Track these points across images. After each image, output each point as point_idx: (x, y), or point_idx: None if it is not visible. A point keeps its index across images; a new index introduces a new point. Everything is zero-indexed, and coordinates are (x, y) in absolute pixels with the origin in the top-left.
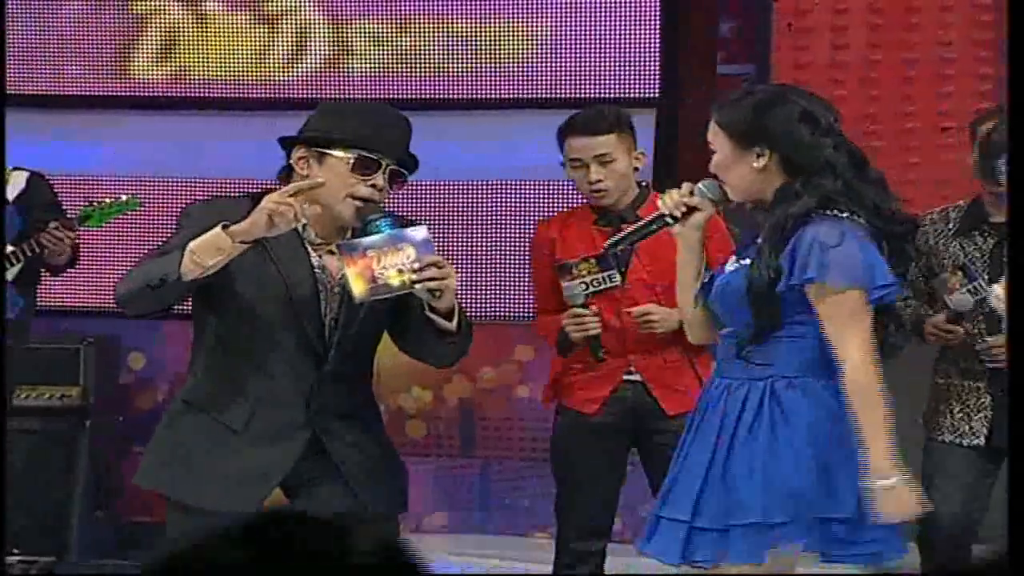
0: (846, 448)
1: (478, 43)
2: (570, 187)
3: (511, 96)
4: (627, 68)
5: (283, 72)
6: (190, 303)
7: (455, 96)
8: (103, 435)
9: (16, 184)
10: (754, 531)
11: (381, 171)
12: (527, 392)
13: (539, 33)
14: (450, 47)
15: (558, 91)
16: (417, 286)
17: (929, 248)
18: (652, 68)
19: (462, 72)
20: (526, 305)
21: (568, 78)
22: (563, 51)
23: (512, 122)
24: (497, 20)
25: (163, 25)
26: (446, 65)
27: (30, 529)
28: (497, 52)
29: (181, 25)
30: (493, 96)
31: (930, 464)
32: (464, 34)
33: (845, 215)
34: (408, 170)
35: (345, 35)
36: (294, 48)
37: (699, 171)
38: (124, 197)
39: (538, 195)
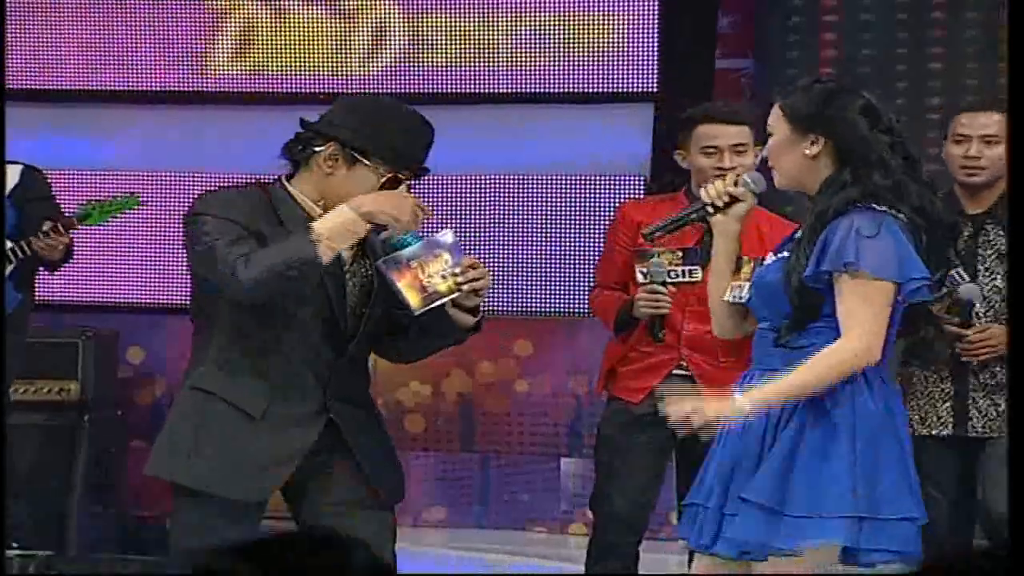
0: (890, 447)
1: (475, 38)
2: (569, 183)
3: (507, 91)
4: (626, 62)
5: (295, 66)
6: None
7: (451, 92)
8: (102, 430)
9: (10, 177)
10: (794, 522)
11: (403, 186)
12: (526, 387)
13: (537, 27)
14: (446, 43)
15: (556, 85)
16: (465, 287)
17: None
18: (651, 62)
19: (459, 68)
20: (526, 300)
21: (566, 72)
22: (561, 45)
23: (510, 116)
24: (494, 14)
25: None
26: (442, 60)
27: (29, 524)
28: (494, 47)
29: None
30: (490, 91)
31: None
32: (460, 29)
33: (884, 208)
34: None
35: (356, 29)
36: (301, 41)
37: None
38: (124, 195)
39: (536, 189)
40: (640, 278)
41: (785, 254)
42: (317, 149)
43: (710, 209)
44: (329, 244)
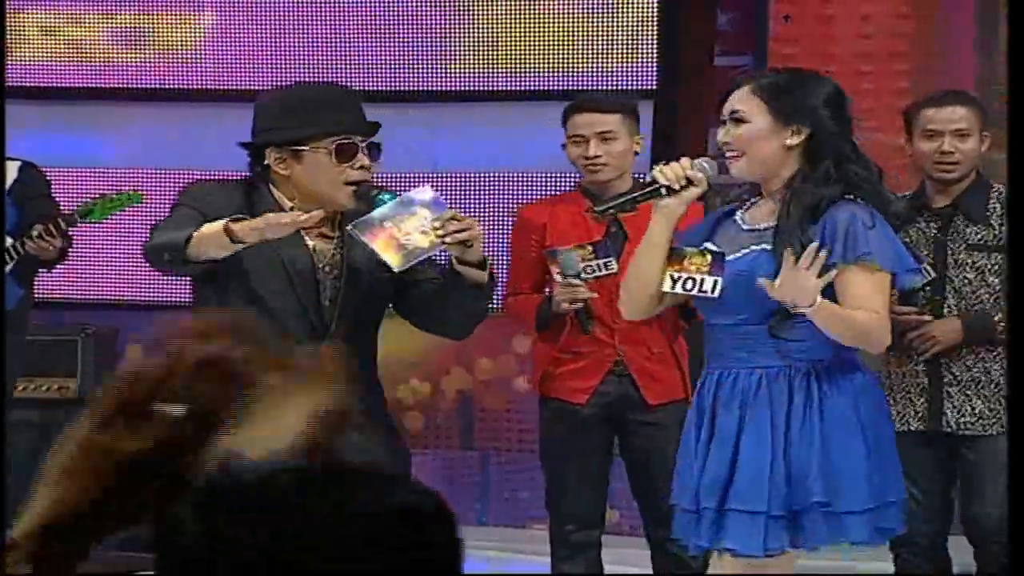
0: (889, 430)
1: (473, 34)
2: (565, 177)
3: (506, 88)
4: (625, 59)
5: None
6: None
7: (449, 88)
8: None
9: (8, 174)
10: (822, 514)
11: (361, 151)
12: (525, 384)
13: (535, 24)
14: (442, 39)
15: (555, 83)
16: (448, 239)
17: None
18: (650, 60)
19: (455, 64)
20: None
21: (565, 70)
22: (561, 43)
23: (509, 113)
24: (492, 10)
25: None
26: (440, 57)
27: None
28: (492, 43)
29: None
30: (487, 88)
31: None
32: (455, 25)
33: (862, 203)
34: (374, 138)
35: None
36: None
37: None
38: (126, 191)
39: (531, 186)
40: (558, 278)
41: (764, 247)
42: (265, 163)
43: (663, 191)
44: (198, 246)
